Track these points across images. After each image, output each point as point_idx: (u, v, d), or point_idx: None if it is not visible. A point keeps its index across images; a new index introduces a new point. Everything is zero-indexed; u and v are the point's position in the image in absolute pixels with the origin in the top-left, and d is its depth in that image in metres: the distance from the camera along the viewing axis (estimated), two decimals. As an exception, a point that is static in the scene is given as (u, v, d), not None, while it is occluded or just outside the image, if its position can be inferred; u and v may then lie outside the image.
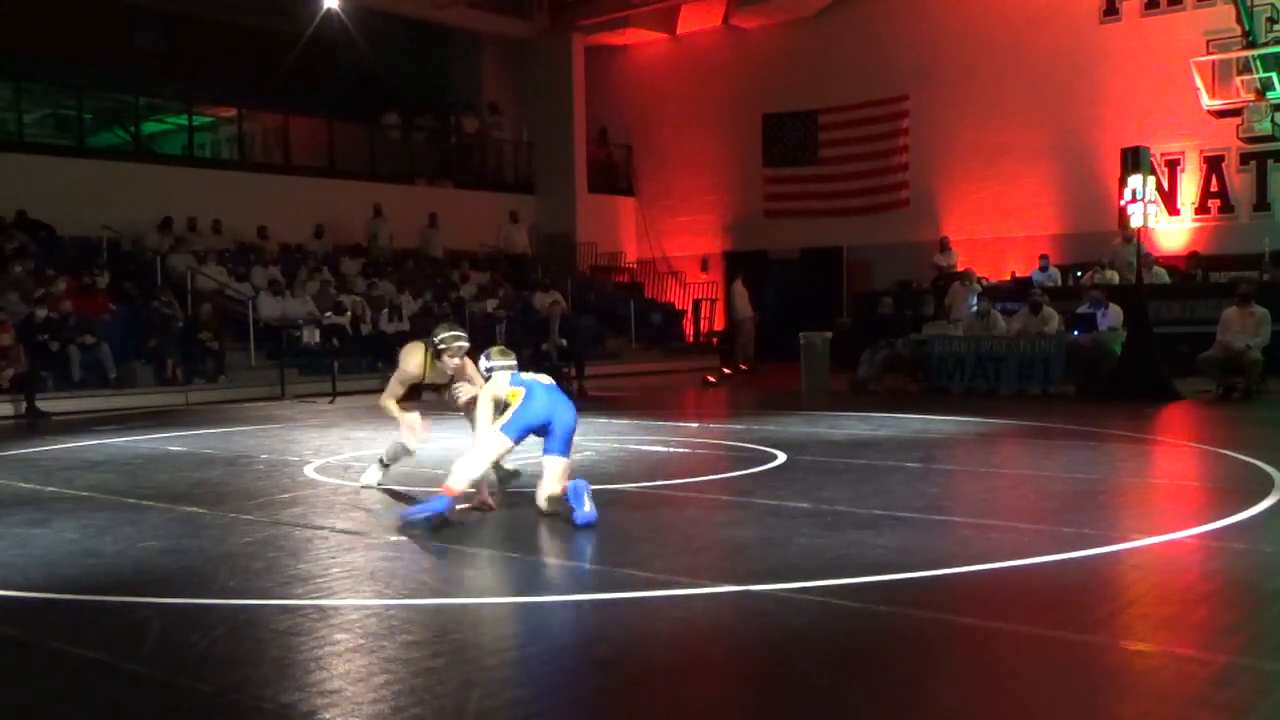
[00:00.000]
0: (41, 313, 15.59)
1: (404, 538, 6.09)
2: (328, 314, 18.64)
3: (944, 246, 21.23)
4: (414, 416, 7.45)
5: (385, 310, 19.66)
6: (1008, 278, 19.89)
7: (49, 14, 21.08)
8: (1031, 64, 21.31)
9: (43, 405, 14.30)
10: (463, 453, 6.59)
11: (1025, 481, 8.03)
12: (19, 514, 7.06)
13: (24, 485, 8.35)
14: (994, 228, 21.98)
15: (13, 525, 6.69)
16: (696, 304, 25.15)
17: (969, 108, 22.11)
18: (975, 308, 16.42)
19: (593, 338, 21.29)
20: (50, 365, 15.29)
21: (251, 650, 4.19)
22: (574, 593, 5.02)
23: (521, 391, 6.55)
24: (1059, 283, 18.61)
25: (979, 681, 3.86)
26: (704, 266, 26.33)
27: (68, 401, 14.93)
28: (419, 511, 6.34)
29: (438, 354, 7.10)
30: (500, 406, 6.60)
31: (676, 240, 26.73)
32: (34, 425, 13.47)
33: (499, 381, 6.63)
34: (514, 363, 6.78)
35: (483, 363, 6.81)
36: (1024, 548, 5.54)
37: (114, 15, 22.20)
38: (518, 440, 6.53)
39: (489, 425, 6.52)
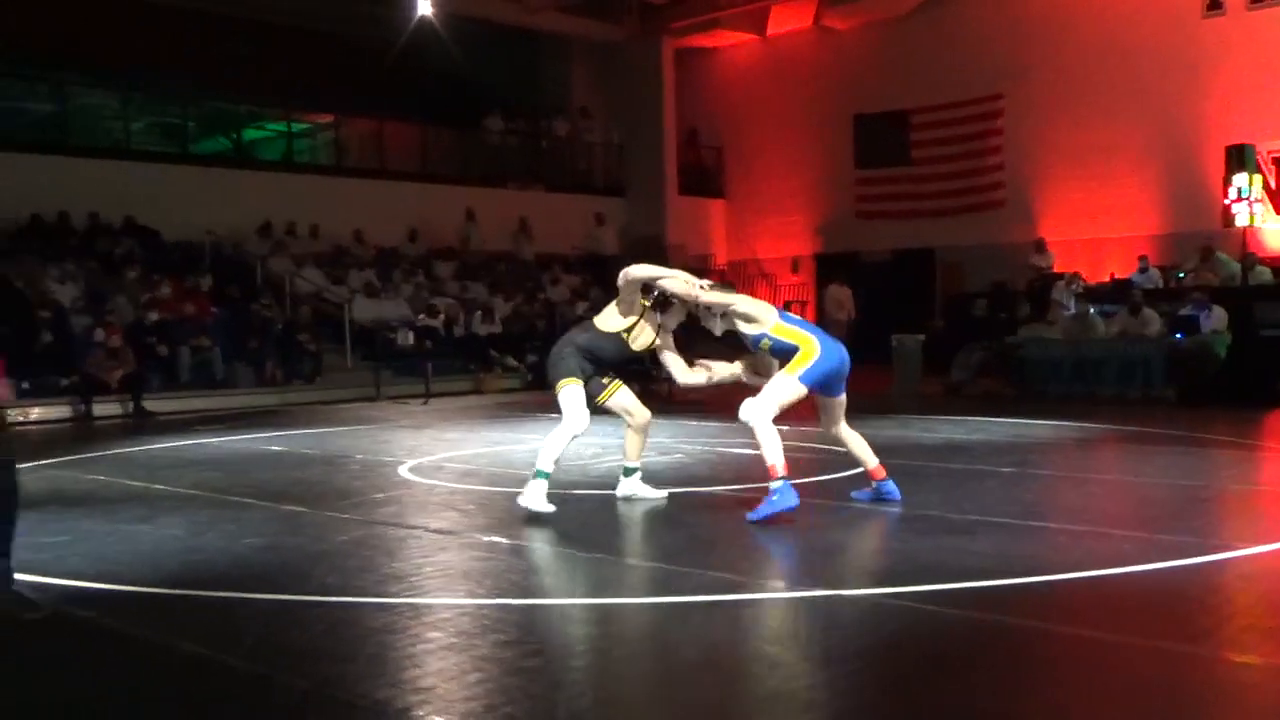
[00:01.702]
0: (153, 315, 16.09)
1: (496, 538, 6.15)
2: (421, 316, 18.94)
3: (1040, 248, 20.81)
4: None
5: (478, 313, 19.91)
6: (1106, 279, 19.44)
7: (155, 28, 21.73)
8: (1131, 61, 20.80)
9: (147, 405, 14.75)
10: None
11: (1124, 487, 7.85)
12: (127, 510, 7.28)
13: (132, 483, 8.61)
14: (1092, 228, 21.49)
15: (120, 521, 6.90)
16: (787, 305, 25.00)
17: (1066, 106, 21.66)
18: (1072, 310, 16.08)
19: (685, 340, 21.25)
20: (156, 366, 15.75)
21: (347, 647, 4.26)
22: (664, 595, 5.02)
23: (811, 338, 6.35)
24: (1159, 284, 18.15)
25: (1076, 691, 3.77)
26: (795, 268, 26.17)
27: (171, 402, 15.36)
28: (767, 512, 6.17)
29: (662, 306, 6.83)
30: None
31: (767, 242, 26.61)
32: (140, 425, 13.89)
33: (756, 311, 6.43)
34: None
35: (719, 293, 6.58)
36: (1123, 555, 5.42)
37: (216, 28, 22.76)
38: (810, 390, 6.34)
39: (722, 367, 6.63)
